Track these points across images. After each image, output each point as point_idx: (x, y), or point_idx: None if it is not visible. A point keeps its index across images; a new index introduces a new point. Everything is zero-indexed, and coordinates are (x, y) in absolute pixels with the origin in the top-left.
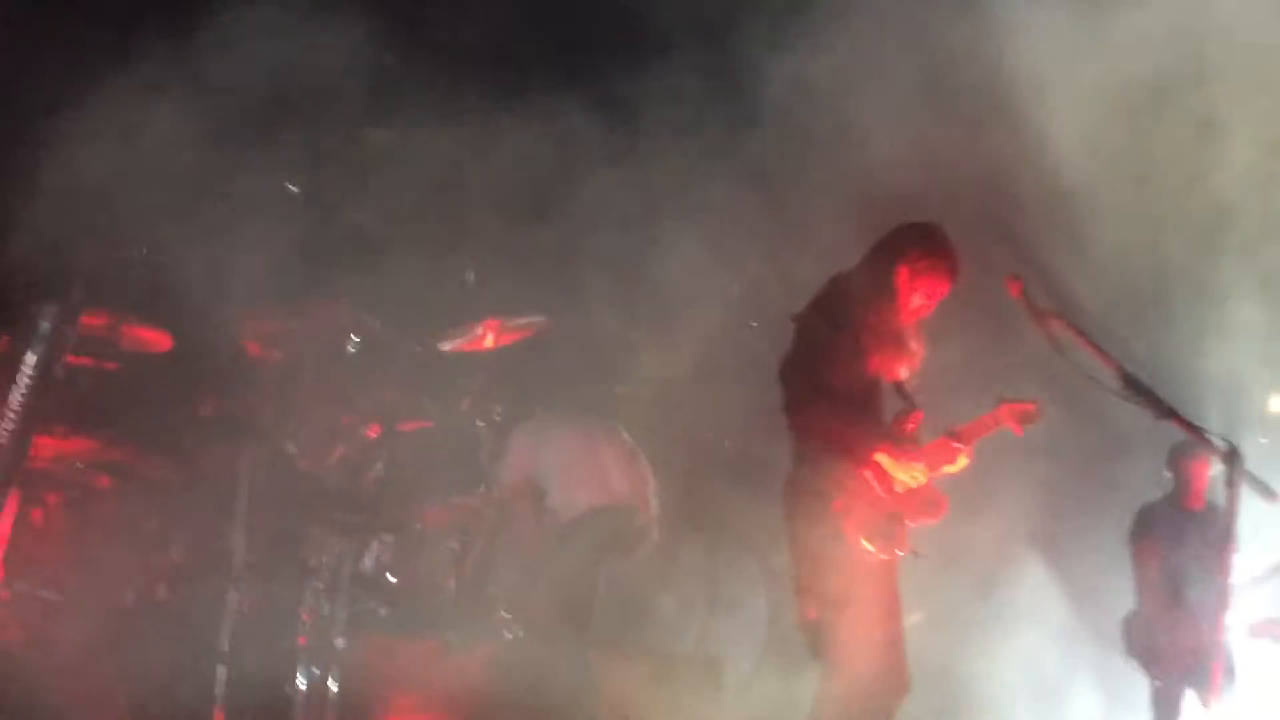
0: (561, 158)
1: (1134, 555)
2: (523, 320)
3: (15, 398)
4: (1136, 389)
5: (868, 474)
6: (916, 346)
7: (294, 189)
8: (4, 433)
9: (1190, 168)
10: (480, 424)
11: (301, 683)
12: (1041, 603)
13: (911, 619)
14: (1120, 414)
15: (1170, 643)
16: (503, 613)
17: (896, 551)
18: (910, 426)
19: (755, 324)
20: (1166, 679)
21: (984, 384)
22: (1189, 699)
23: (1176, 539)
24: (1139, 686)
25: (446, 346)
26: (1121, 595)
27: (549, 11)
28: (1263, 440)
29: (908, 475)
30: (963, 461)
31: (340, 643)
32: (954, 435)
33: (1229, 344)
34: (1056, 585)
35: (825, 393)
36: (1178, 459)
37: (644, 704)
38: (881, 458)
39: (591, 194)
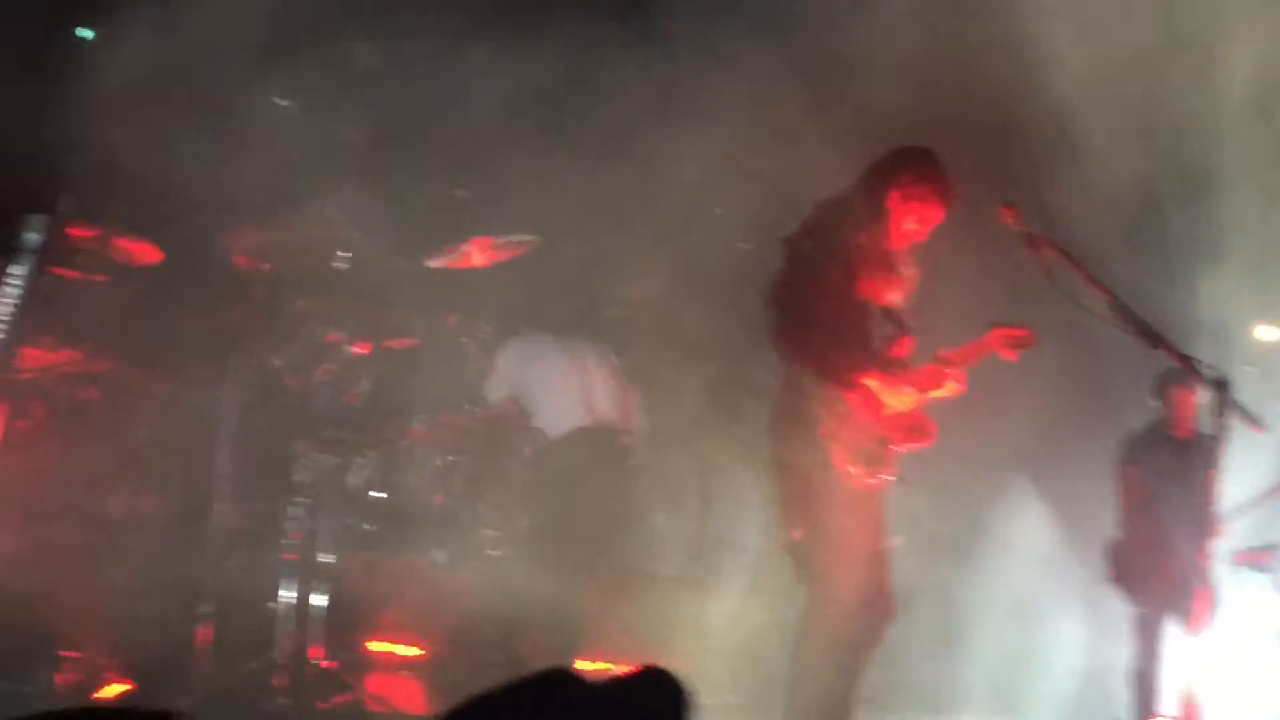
0: (554, 74)
1: (1119, 482)
2: (512, 238)
3: (1, 310)
4: (1127, 317)
5: (855, 398)
6: (908, 271)
7: (282, 102)
8: None
9: (1187, 96)
10: (467, 342)
11: (286, 598)
12: (1027, 528)
13: (892, 542)
14: (1110, 341)
15: (1153, 570)
16: (488, 530)
17: (882, 477)
18: (900, 352)
19: (745, 244)
20: (1148, 606)
21: (976, 310)
22: (1171, 627)
23: (1162, 467)
24: (1124, 614)
25: (435, 263)
26: (1107, 522)
27: None
28: (1250, 369)
29: (896, 400)
30: (952, 387)
31: (325, 559)
32: (944, 360)
33: (1219, 273)
34: (1042, 511)
35: (813, 317)
36: (1166, 387)
37: (629, 624)
38: (870, 382)
39: (584, 111)
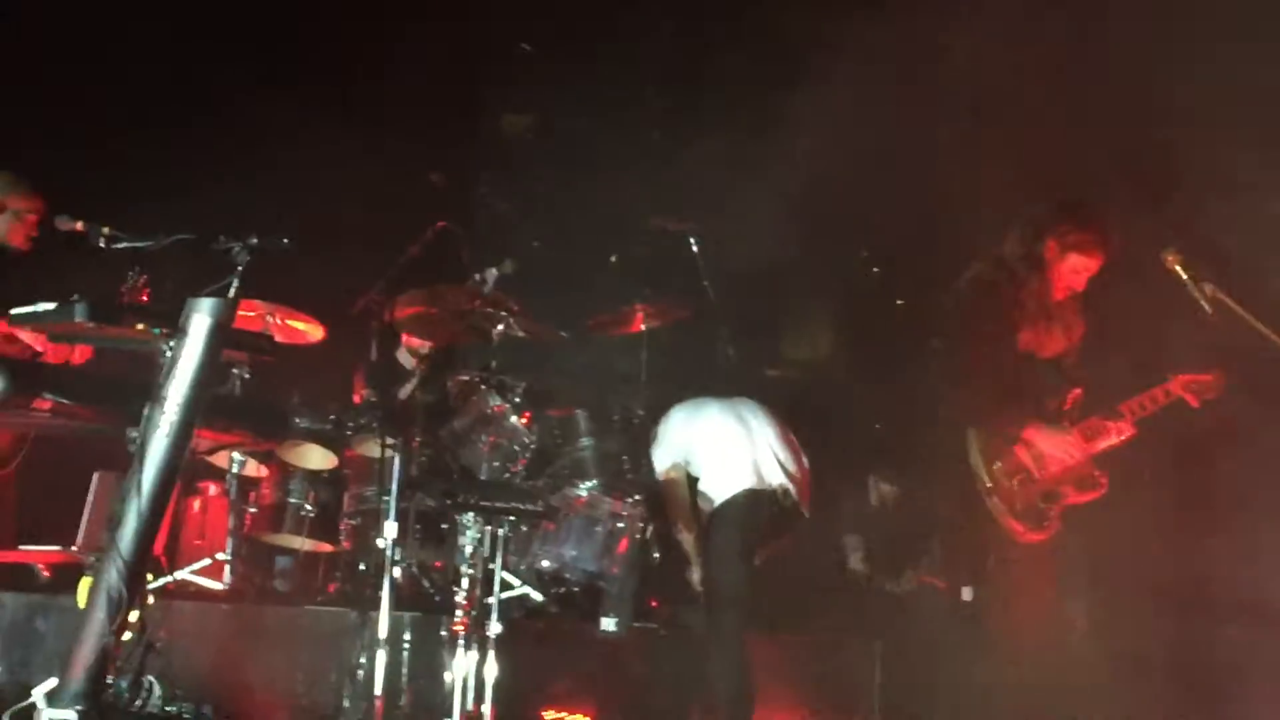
0: (711, 136)
1: None
2: (671, 303)
3: (176, 392)
4: None
5: (1020, 452)
6: (1071, 322)
7: (436, 177)
8: (167, 427)
9: None
10: (631, 408)
11: (458, 669)
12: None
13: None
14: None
15: None
16: (658, 599)
17: (1049, 532)
18: (1067, 403)
19: (902, 301)
20: None
21: (1152, 357)
22: None
23: None
24: None
25: (595, 331)
26: None
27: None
28: None
29: (1062, 452)
30: (1124, 436)
31: (495, 629)
32: (1117, 411)
33: None
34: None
35: (974, 371)
36: None
37: (801, 683)
38: (1033, 435)
39: (737, 177)
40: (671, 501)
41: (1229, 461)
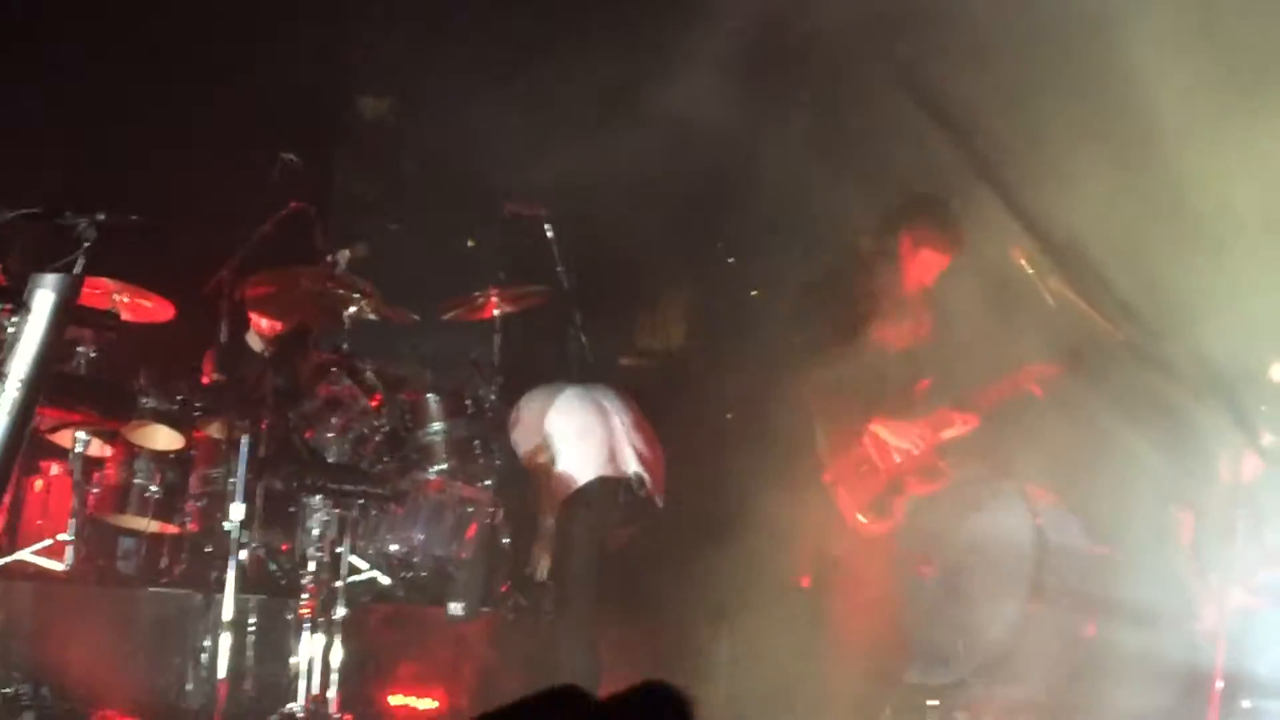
0: (566, 123)
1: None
2: (525, 289)
3: (18, 368)
4: (1140, 357)
5: (865, 443)
6: (922, 315)
7: (289, 156)
8: (9, 404)
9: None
10: (483, 394)
11: (304, 652)
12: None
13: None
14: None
15: None
16: (507, 583)
17: (889, 522)
18: (914, 395)
19: (756, 292)
20: None
21: (1004, 351)
22: None
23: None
24: None
25: (448, 315)
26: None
27: None
28: (1263, 408)
29: (906, 443)
30: (969, 426)
31: (342, 612)
32: (964, 402)
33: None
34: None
35: (822, 362)
36: None
37: (648, 665)
38: (877, 427)
39: (593, 165)
40: (539, 485)
41: (1068, 448)
